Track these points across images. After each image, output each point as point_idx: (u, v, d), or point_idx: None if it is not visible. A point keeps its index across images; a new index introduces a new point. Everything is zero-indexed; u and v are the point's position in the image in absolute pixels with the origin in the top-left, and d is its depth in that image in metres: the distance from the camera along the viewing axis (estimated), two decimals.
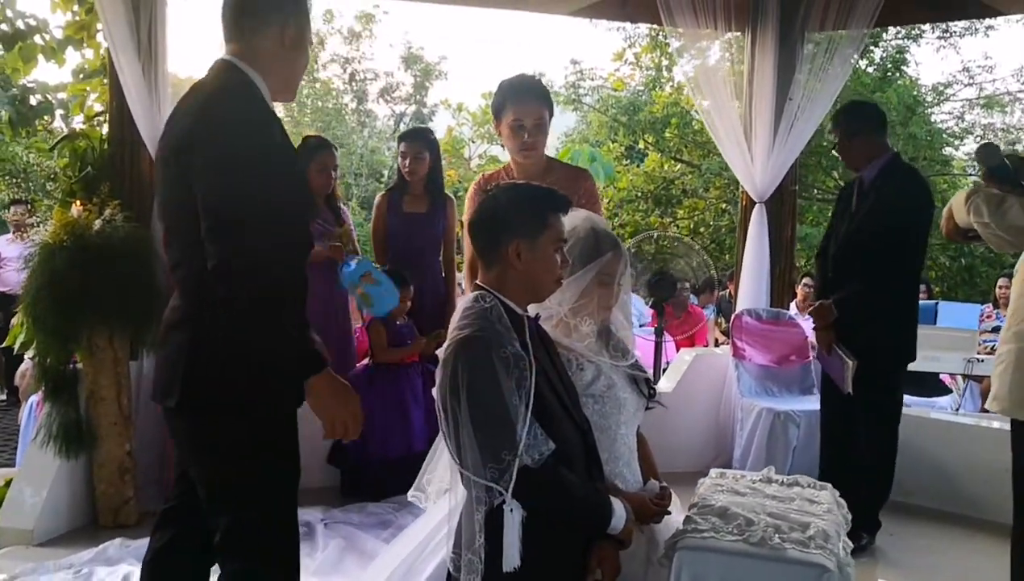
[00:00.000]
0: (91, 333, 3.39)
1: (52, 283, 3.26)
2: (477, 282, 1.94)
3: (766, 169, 4.72)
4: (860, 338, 3.34)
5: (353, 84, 19.66)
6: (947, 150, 15.32)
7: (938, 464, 4.02)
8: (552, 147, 3.35)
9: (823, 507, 2.16)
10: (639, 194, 14.80)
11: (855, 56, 4.80)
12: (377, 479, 3.76)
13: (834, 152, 3.78)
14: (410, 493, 2.21)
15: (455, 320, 1.85)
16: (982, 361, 5.58)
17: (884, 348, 3.35)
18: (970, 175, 14.32)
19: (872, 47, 14.05)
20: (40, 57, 4.48)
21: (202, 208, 1.67)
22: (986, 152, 2.62)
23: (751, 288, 4.77)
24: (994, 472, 3.31)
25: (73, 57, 4.36)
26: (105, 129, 3.92)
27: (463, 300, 1.91)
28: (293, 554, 1.89)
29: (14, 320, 3.54)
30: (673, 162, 15.15)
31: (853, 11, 4.44)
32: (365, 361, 4.23)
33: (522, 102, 2.85)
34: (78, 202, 3.57)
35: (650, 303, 4.79)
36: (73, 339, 3.38)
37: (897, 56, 14.66)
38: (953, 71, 18.43)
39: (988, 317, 6.97)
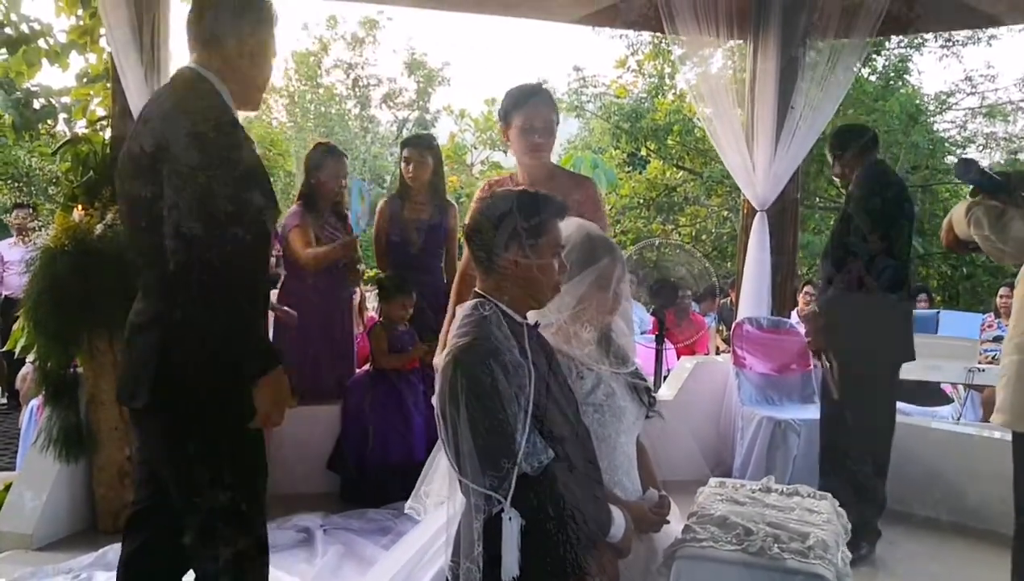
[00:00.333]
0: (92, 337, 3.39)
1: (53, 287, 3.26)
2: (476, 290, 1.94)
3: (768, 177, 4.73)
4: (841, 340, 3.39)
5: (356, 90, 19.70)
6: (949, 159, 15.31)
7: (938, 474, 4.01)
8: (555, 154, 3.37)
9: (823, 517, 2.16)
10: (641, 201, 14.80)
11: (857, 64, 4.81)
12: (377, 485, 3.76)
13: (835, 178, 3.86)
14: (407, 505, 2.21)
15: (455, 327, 1.85)
16: (983, 371, 5.57)
17: (866, 350, 3.37)
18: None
19: (874, 55, 14.04)
20: (44, 61, 4.49)
21: (168, 210, 1.73)
22: (961, 168, 2.63)
23: (752, 296, 4.77)
24: (994, 482, 3.30)
25: (77, 61, 4.38)
26: (108, 133, 3.93)
27: (463, 307, 1.91)
28: (263, 552, 1.94)
29: (16, 324, 3.54)
30: (675, 169, 15.14)
31: (855, 20, 4.46)
32: (366, 366, 4.23)
33: (532, 106, 2.92)
34: (80, 206, 3.57)
35: (651, 310, 4.78)
36: (74, 343, 3.38)
37: (899, 64, 14.67)
38: (955, 80, 18.44)
39: (989, 326, 6.97)
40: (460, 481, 1.75)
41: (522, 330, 1.88)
